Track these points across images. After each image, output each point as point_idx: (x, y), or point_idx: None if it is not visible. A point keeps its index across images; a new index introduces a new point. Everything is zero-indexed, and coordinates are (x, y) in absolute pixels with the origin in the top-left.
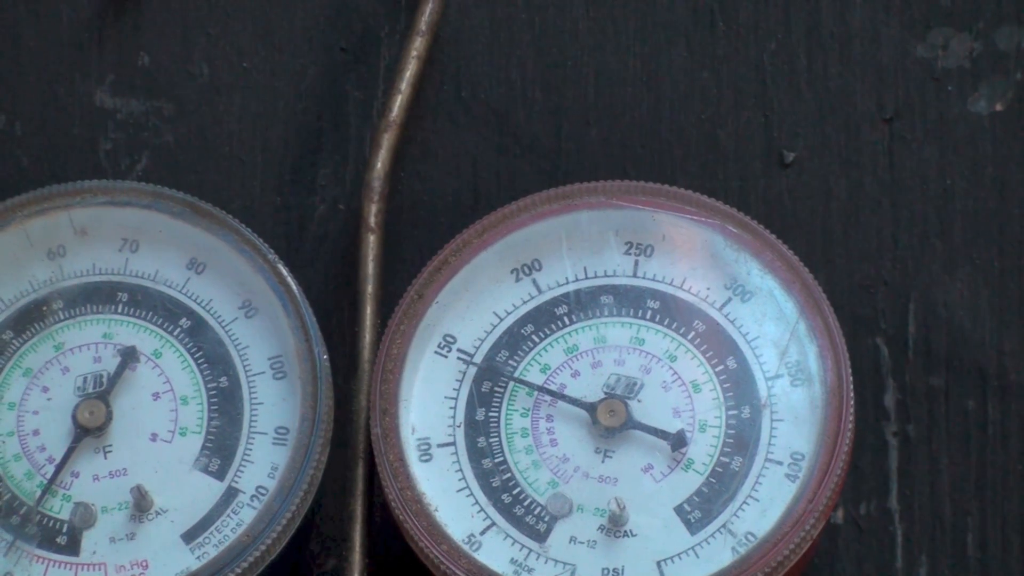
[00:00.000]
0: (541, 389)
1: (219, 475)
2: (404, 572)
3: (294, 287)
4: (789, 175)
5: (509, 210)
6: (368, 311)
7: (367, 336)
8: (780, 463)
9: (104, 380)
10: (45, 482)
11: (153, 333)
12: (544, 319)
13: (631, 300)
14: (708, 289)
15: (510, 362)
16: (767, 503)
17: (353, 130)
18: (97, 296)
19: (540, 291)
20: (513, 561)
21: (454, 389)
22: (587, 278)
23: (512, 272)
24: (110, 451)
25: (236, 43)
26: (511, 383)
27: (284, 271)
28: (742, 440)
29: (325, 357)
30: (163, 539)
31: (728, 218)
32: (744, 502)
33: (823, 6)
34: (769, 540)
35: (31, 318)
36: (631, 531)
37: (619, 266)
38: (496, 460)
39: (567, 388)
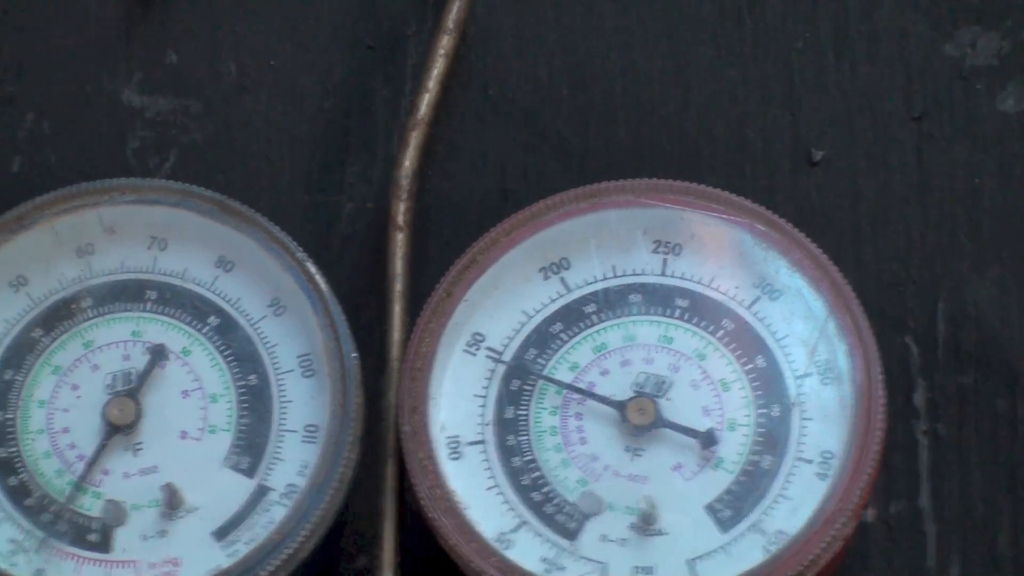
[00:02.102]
0: (570, 387)
1: (249, 472)
2: (435, 571)
3: (323, 285)
4: (817, 173)
5: (537, 208)
6: (397, 309)
7: (396, 334)
8: (810, 462)
9: (134, 378)
10: (76, 480)
11: (182, 331)
12: (573, 317)
13: (660, 299)
14: (736, 288)
15: (539, 360)
16: (798, 502)
17: (381, 128)
18: (126, 294)
19: (569, 289)
20: (544, 559)
21: (483, 387)
22: (615, 277)
23: (540, 270)
24: (140, 449)
25: (263, 41)
26: (540, 381)
27: (313, 269)
28: (772, 439)
29: (354, 355)
30: (194, 536)
31: (756, 216)
32: (775, 501)
33: (851, 4)
34: (800, 539)
35: (60, 316)
36: (662, 529)
37: (647, 265)
38: (526, 458)
39: (596, 386)
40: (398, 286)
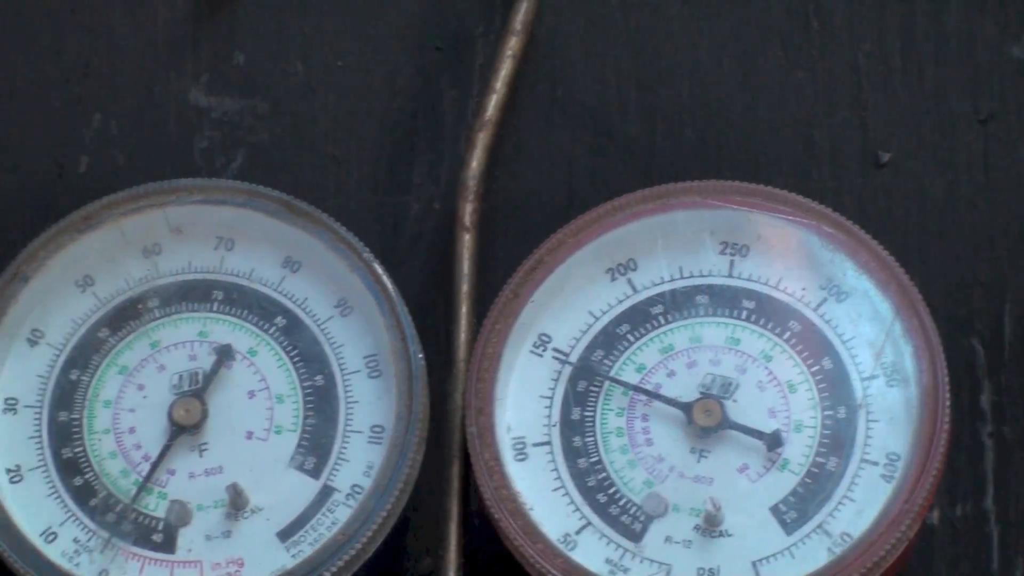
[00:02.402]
0: (637, 389)
1: (314, 473)
2: (499, 572)
3: (389, 286)
4: (884, 175)
5: (604, 209)
6: (463, 310)
7: (462, 335)
8: (876, 464)
9: (200, 378)
10: (141, 480)
11: (249, 331)
12: (639, 318)
13: (727, 300)
14: (803, 289)
15: (605, 361)
16: (863, 504)
17: (448, 129)
18: (193, 294)
19: (635, 290)
20: (608, 561)
21: (549, 388)
22: (682, 278)
23: (607, 272)
24: (206, 449)
25: (331, 42)
26: (607, 382)
27: (380, 270)
28: (838, 440)
29: (420, 356)
30: (259, 537)
31: (823, 218)
32: (840, 502)
33: (918, 6)
34: (865, 541)
35: (127, 316)
36: (726, 531)
37: (714, 266)
38: (591, 459)
39: (662, 388)
40: (464, 287)
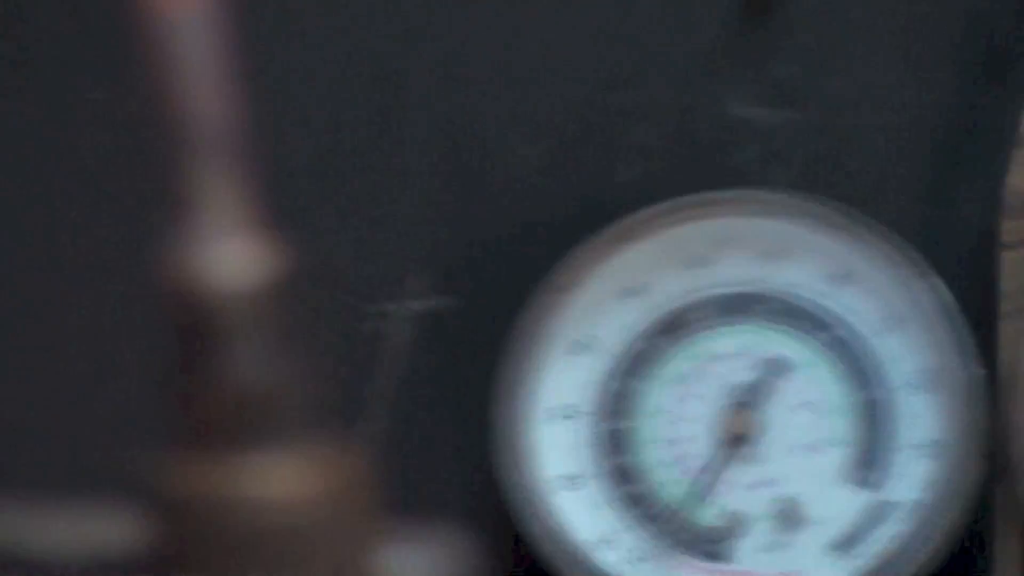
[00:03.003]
0: None
1: (868, 487)
2: None
3: (944, 299)
4: None
5: None
6: (1008, 329)
7: (1003, 353)
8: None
9: (752, 390)
10: (694, 490)
11: (800, 344)
12: None
13: None
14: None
15: None
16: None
17: (989, 146)
18: (743, 306)
19: None
20: None
21: None
22: None
23: None
24: (760, 461)
25: (870, 56)
26: None
27: (934, 282)
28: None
29: (978, 370)
30: (812, 550)
31: None
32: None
33: None
34: None
35: (678, 326)
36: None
37: None
38: None
39: None
40: (1007, 306)
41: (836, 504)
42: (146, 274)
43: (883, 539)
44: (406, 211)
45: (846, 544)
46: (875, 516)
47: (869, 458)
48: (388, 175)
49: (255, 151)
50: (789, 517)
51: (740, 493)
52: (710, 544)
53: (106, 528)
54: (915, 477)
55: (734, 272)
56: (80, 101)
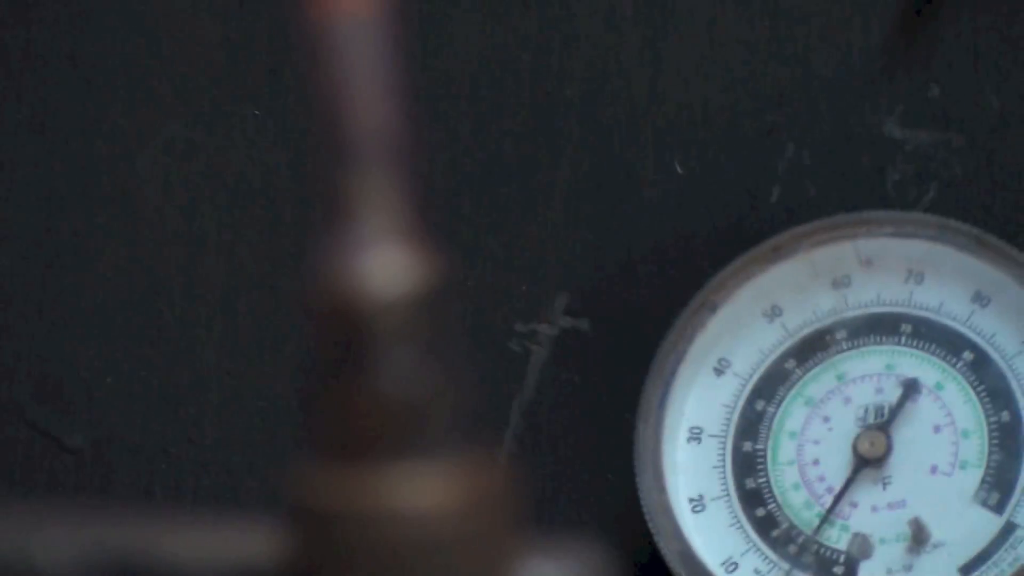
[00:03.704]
0: None
1: (998, 509)
2: None
3: None
4: None
5: None
6: None
7: None
8: None
9: (886, 411)
10: (823, 511)
11: (936, 365)
12: None
13: None
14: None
15: None
16: None
17: None
18: (880, 327)
19: None
20: None
21: None
22: None
23: None
24: (889, 482)
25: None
26: None
27: None
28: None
29: None
30: (940, 572)
31: None
32: None
33: None
34: None
35: (814, 347)
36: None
37: None
38: None
39: None
40: None
41: (965, 526)
42: (297, 283)
43: (1009, 560)
44: (553, 228)
45: (973, 565)
46: (1002, 538)
47: (999, 481)
48: (536, 191)
49: (409, 163)
50: (918, 539)
51: (869, 515)
52: (838, 566)
53: (249, 541)
54: None
55: (877, 292)
56: (236, 113)
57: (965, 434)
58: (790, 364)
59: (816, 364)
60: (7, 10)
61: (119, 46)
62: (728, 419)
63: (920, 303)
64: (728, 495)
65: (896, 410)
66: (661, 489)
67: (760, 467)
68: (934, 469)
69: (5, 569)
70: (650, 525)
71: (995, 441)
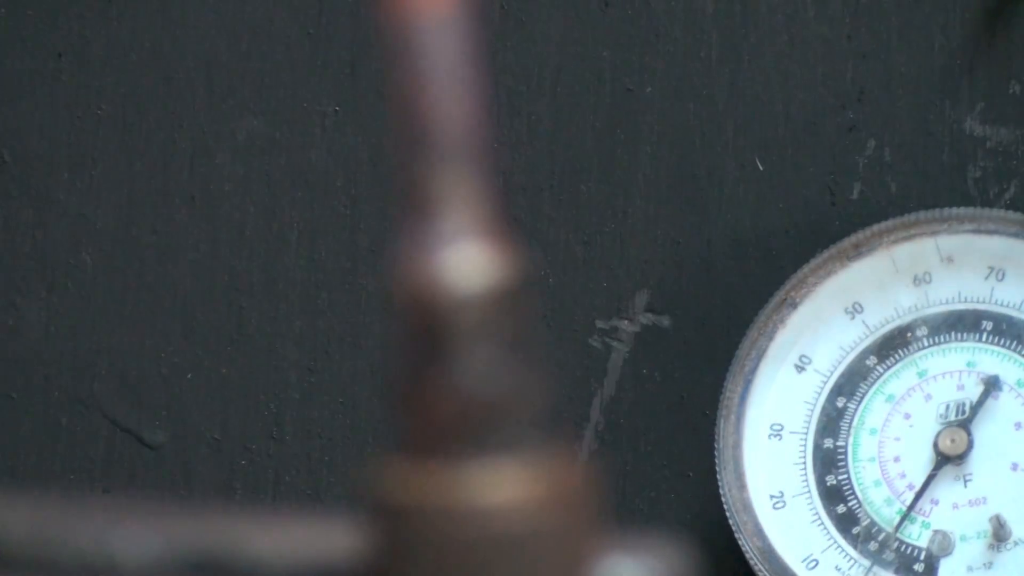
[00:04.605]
0: None
1: None
2: None
3: None
4: None
5: None
6: None
7: None
8: None
9: (966, 408)
10: (904, 508)
11: (1017, 362)
12: None
13: None
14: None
15: None
16: None
17: None
18: (961, 324)
19: None
20: None
21: None
22: None
23: None
24: (970, 479)
25: None
26: None
27: None
28: None
29: None
30: (1021, 569)
31: None
32: None
33: None
34: None
35: (895, 344)
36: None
37: None
38: None
39: None
40: None
41: None
42: (377, 280)
43: None
44: (634, 225)
45: None
46: None
47: None
48: (616, 188)
49: (490, 159)
50: (998, 536)
51: (950, 512)
52: (919, 563)
53: (329, 537)
54: None
55: (958, 289)
56: (316, 110)
57: None
58: (871, 361)
59: (897, 361)
60: (91, 10)
61: (200, 44)
62: (809, 416)
63: (1001, 300)
64: (809, 492)
65: (977, 407)
66: (742, 486)
67: (841, 464)
68: (1015, 466)
69: (86, 565)
70: (731, 522)
71: None
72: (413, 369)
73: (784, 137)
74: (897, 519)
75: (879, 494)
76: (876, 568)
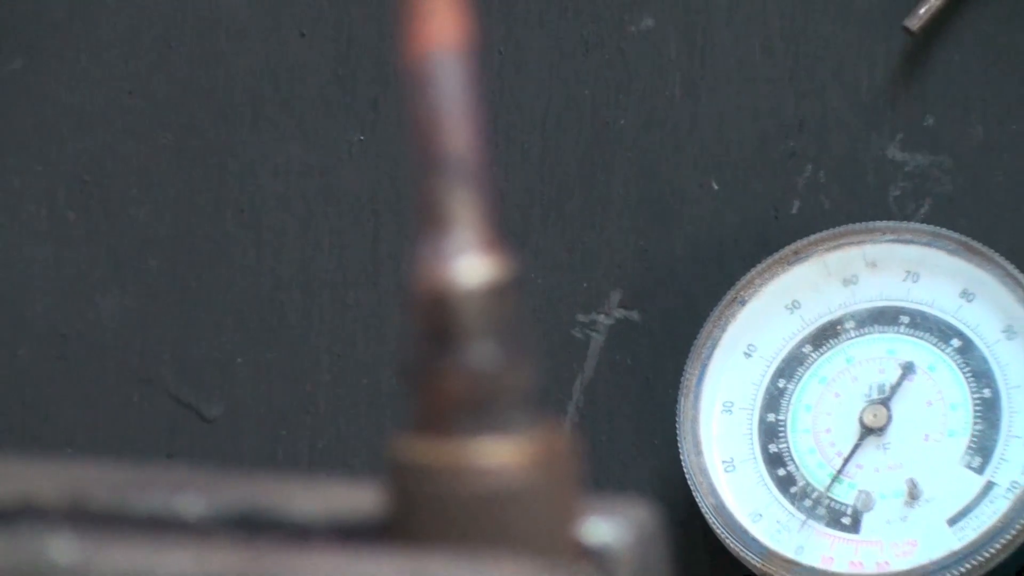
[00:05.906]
0: None
1: (979, 470)
2: None
3: None
4: None
5: None
6: None
7: None
8: None
9: (887, 388)
10: (834, 472)
11: (929, 350)
12: None
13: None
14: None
15: None
16: None
17: None
18: (883, 318)
19: None
20: None
21: None
22: None
23: None
24: (888, 447)
25: (1011, 106)
26: None
27: None
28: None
29: None
30: (930, 523)
31: None
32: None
33: None
34: None
35: (827, 335)
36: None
37: None
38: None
39: None
40: None
41: (952, 485)
42: (396, 281)
43: (988, 513)
44: (609, 236)
45: (958, 518)
46: (983, 494)
47: (980, 446)
48: (595, 205)
49: (489, 181)
50: (912, 495)
51: (871, 475)
52: (846, 517)
53: (356, 496)
54: (1016, 462)
55: (880, 289)
56: (343, 138)
57: (953, 407)
58: (807, 349)
59: (829, 349)
60: (156, 54)
61: (247, 83)
62: (755, 394)
63: (916, 298)
64: (755, 458)
65: (895, 387)
66: (699, 453)
67: (781, 434)
68: (927, 437)
69: (154, 522)
70: (689, 483)
71: (978, 413)
72: (426, 355)
73: (736, 161)
74: (828, 481)
75: (813, 460)
76: (810, 521)
